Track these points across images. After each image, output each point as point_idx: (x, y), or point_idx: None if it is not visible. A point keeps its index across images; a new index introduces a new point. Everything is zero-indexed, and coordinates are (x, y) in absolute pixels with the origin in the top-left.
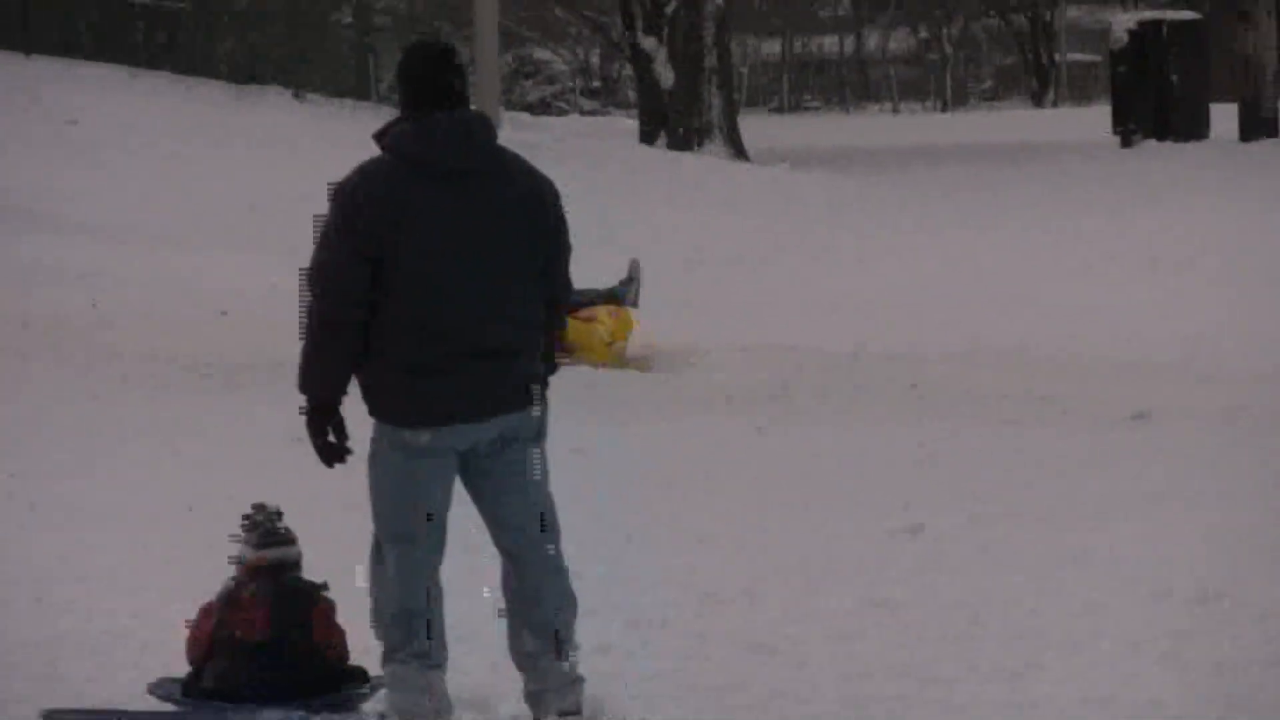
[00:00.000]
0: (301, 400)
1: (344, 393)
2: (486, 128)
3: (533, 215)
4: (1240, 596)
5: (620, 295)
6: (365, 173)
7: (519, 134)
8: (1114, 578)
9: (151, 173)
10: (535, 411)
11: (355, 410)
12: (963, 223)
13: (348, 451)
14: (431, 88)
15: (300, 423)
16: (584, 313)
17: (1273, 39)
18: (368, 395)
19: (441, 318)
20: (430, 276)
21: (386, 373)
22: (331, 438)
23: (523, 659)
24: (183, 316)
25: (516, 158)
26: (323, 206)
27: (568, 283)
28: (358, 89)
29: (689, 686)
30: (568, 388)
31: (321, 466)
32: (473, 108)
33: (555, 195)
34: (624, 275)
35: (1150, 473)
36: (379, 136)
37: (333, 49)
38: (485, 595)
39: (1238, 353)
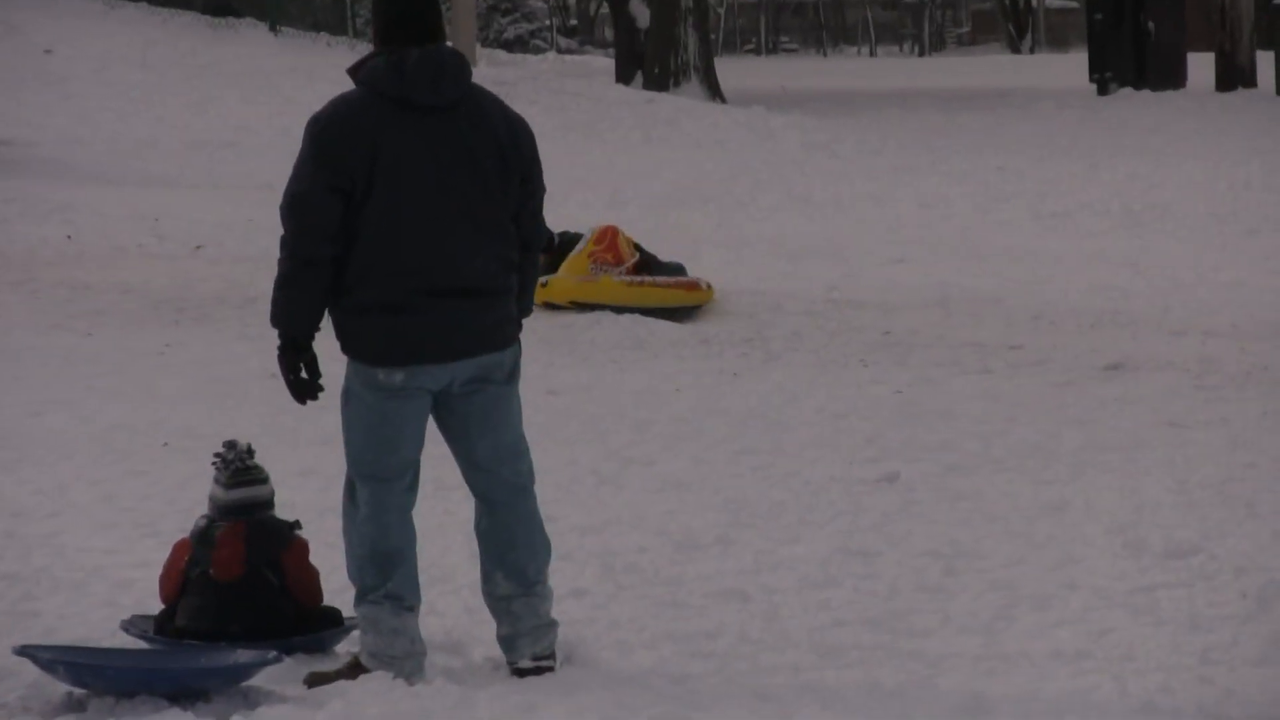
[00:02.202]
0: (275, 336)
1: (316, 328)
2: (462, 64)
3: (507, 155)
4: (1214, 550)
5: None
6: (339, 105)
7: (494, 71)
8: (1088, 530)
9: (126, 104)
10: (510, 352)
11: (329, 346)
12: (937, 168)
13: (320, 388)
14: (407, 22)
15: (274, 360)
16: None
17: None
18: (341, 334)
19: (415, 255)
20: (403, 212)
21: (360, 311)
22: (304, 374)
23: (496, 603)
24: (157, 251)
25: (492, 96)
26: (298, 140)
27: (542, 224)
28: (334, 23)
29: (662, 633)
30: (542, 330)
31: (294, 403)
32: (448, 44)
33: (530, 136)
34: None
35: (1124, 424)
36: (354, 71)
37: None
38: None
39: (1212, 304)
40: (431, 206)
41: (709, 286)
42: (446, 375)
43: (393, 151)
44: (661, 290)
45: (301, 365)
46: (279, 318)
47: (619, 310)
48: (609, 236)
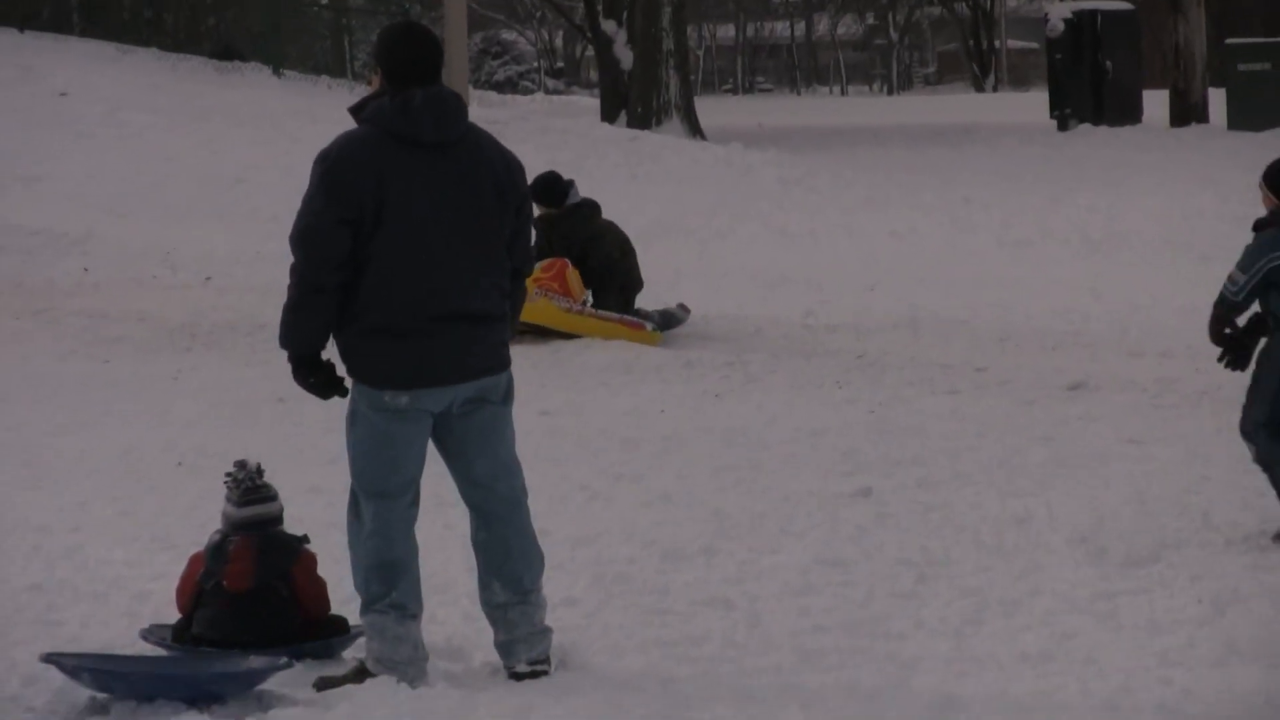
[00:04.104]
0: (285, 360)
1: (322, 347)
2: (460, 105)
3: (503, 189)
4: (1171, 559)
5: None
6: (347, 142)
7: (486, 111)
8: (1052, 540)
9: (138, 144)
10: (505, 375)
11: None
12: (907, 201)
13: (339, 382)
14: (411, 66)
15: (284, 383)
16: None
17: (1202, 29)
18: (347, 358)
19: (419, 282)
20: (408, 242)
21: (366, 336)
22: (317, 378)
23: (493, 610)
24: (170, 282)
25: (488, 135)
26: (302, 178)
27: (531, 253)
28: (334, 67)
29: (651, 639)
30: (535, 354)
31: (304, 422)
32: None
33: (523, 172)
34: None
35: (1086, 441)
36: (356, 110)
37: (310, 28)
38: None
39: (1168, 326)
40: (435, 237)
41: (655, 330)
42: (448, 397)
43: (399, 186)
44: (601, 323)
45: (312, 376)
46: (288, 339)
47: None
48: (557, 267)
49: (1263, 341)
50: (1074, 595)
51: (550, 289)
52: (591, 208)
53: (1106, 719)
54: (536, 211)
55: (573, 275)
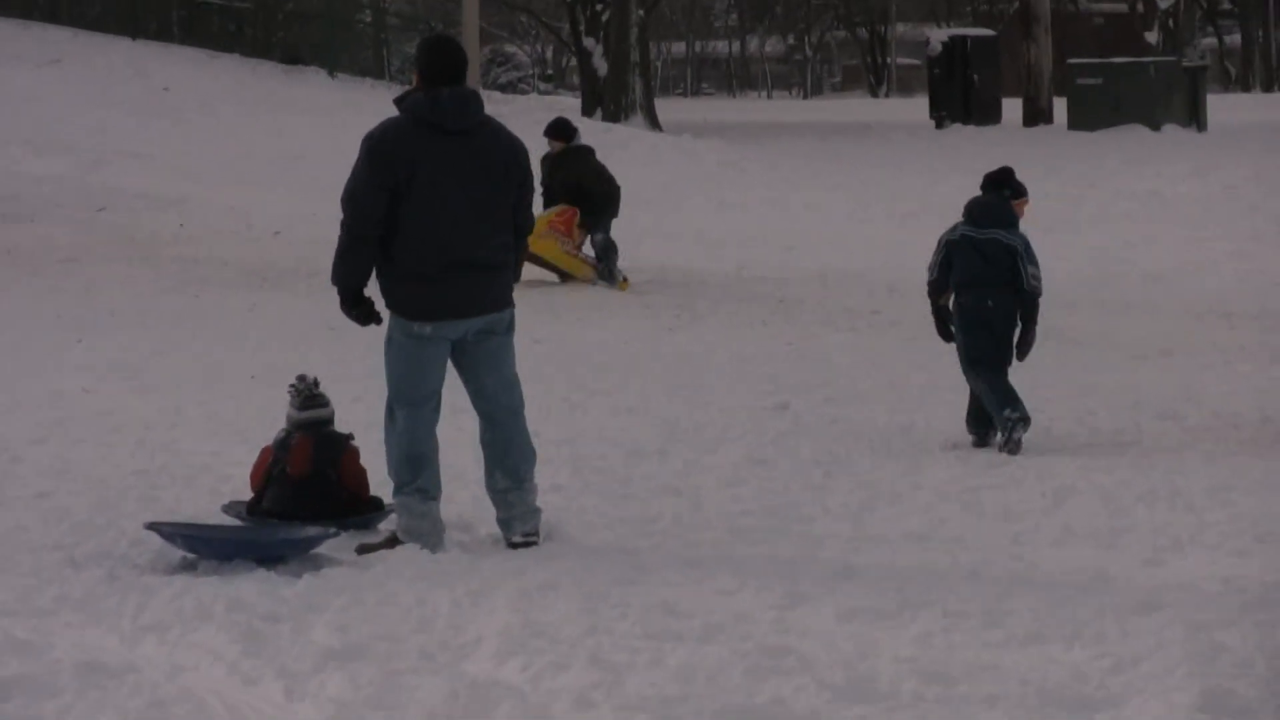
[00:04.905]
0: (335, 296)
1: (364, 285)
2: (478, 100)
3: (510, 165)
4: (1021, 462)
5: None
6: (388, 127)
7: (492, 108)
8: (929, 445)
9: (223, 129)
10: (508, 311)
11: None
12: (818, 181)
13: (377, 315)
14: (441, 69)
15: (333, 315)
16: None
17: (1048, 51)
18: (385, 295)
19: (442, 238)
20: (434, 206)
21: (400, 279)
22: (359, 310)
23: (495, 494)
24: (246, 235)
25: (499, 123)
26: (351, 156)
27: (530, 216)
28: (375, 69)
29: (617, 518)
30: (531, 296)
31: (349, 346)
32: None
33: (525, 152)
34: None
35: (955, 370)
36: (399, 101)
37: (357, 39)
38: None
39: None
40: (454, 203)
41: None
42: (463, 328)
43: (427, 162)
44: (582, 264)
45: (356, 308)
46: (338, 278)
47: (548, 266)
48: (568, 214)
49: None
50: (946, 489)
51: (559, 230)
52: (589, 150)
53: (971, 585)
54: (548, 148)
55: (577, 225)
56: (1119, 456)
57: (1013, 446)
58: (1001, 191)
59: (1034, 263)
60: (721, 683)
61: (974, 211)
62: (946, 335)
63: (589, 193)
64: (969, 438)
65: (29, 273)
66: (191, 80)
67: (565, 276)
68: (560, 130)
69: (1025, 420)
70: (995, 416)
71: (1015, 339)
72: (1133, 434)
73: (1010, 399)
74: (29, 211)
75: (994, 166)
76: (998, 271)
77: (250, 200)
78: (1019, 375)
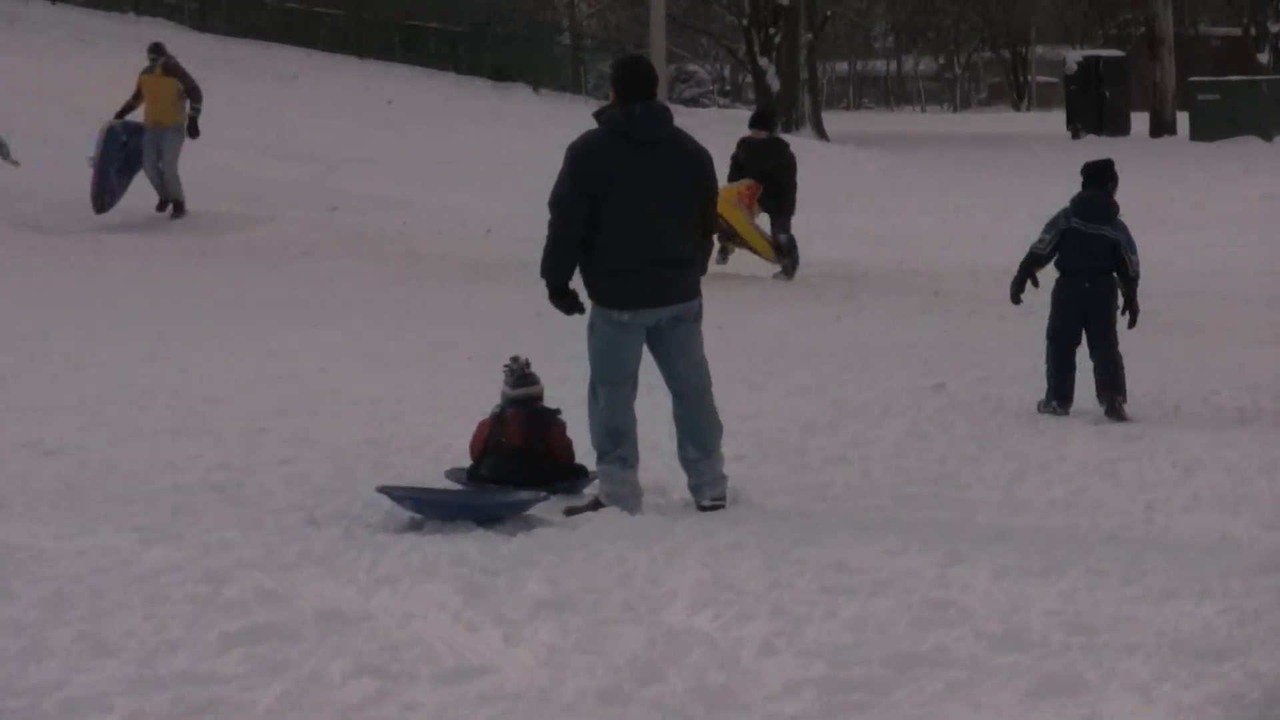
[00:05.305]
0: (543, 288)
1: (569, 279)
2: (668, 113)
3: (696, 171)
4: (1154, 436)
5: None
6: (589, 138)
7: (678, 120)
8: (1073, 422)
9: (440, 139)
10: (697, 301)
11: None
12: (965, 185)
13: (581, 306)
14: (635, 86)
15: (541, 304)
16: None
17: (1172, 71)
18: (588, 286)
19: (637, 237)
20: (629, 209)
21: (601, 273)
22: (565, 301)
23: (686, 463)
24: (462, 234)
25: (686, 134)
26: (555, 163)
27: (715, 217)
28: (573, 85)
29: (795, 485)
30: (714, 288)
31: (555, 331)
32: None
33: (710, 160)
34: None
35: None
36: (598, 115)
37: (557, 59)
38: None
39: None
40: (649, 206)
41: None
42: (657, 316)
43: (624, 170)
44: (758, 236)
45: (562, 299)
46: (547, 273)
47: (728, 234)
48: (751, 189)
49: None
50: (1087, 461)
51: (744, 201)
52: (783, 143)
53: (1110, 547)
54: (747, 134)
55: (757, 202)
56: (1240, 431)
57: (1040, 409)
58: (1105, 185)
59: (1134, 250)
60: (890, 632)
61: (1082, 208)
62: (1018, 299)
63: (780, 181)
64: (1104, 415)
65: (270, 266)
66: (411, 95)
67: (740, 245)
68: (764, 120)
69: (1056, 413)
70: (1046, 391)
71: (1111, 318)
72: (1253, 412)
73: (1058, 391)
74: (270, 212)
75: (1125, 171)
76: (1100, 262)
77: (464, 202)
78: (1139, 351)
